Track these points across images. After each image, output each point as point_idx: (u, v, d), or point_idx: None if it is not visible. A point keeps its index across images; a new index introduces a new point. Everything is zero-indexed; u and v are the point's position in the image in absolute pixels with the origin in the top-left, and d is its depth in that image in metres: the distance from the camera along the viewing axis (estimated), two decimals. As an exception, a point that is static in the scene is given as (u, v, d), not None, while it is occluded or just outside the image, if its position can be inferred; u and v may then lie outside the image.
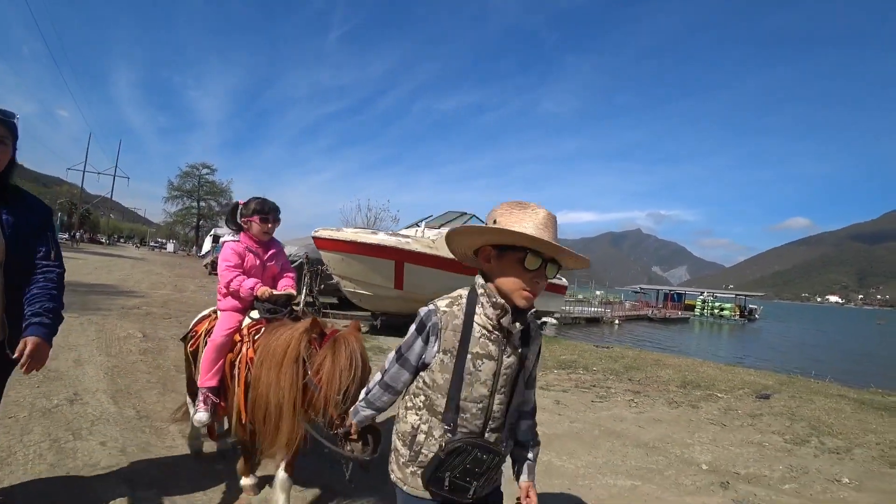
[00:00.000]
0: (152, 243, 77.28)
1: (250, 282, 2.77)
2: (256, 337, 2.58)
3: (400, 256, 9.20)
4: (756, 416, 5.45)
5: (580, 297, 35.05)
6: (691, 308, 48.23)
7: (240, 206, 2.96)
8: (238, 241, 2.91)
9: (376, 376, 1.60)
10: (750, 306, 51.78)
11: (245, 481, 2.68)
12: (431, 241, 9.48)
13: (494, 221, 1.43)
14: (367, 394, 1.63)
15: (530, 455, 1.61)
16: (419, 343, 1.49)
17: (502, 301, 1.42)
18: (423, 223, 11.05)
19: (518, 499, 1.55)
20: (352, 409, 1.73)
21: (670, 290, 56.75)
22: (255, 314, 2.76)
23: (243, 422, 2.45)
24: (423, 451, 1.46)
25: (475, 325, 1.44)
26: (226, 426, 3.08)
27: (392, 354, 1.56)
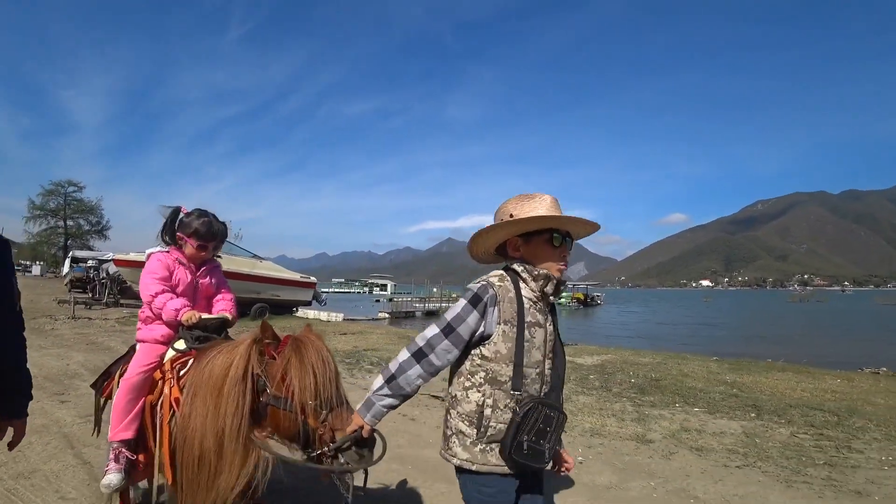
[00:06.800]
0: (16, 267, 69.92)
1: (176, 302, 2.24)
2: (182, 372, 2.05)
3: None
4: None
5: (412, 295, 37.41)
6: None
7: (181, 215, 2.45)
8: (168, 252, 2.43)
9: (405, 355, 1.46)
10: (594, 293, 60.88)
11: None
12: None
13: (511, 215, 1.56)
14: (390, 380, 1.45)
15: None
16: (474, 316, 1.46)
17: (545, 271, 1.53)
18: None
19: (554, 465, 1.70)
20: (362, 404, 1.50)
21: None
22: (180, 345, 2.20)
23: (170, 482, 1.92)
24: (491, 424, 1.45)
25: (524, 298, 1.52)
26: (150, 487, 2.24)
27: (434, 329, 1.47)
